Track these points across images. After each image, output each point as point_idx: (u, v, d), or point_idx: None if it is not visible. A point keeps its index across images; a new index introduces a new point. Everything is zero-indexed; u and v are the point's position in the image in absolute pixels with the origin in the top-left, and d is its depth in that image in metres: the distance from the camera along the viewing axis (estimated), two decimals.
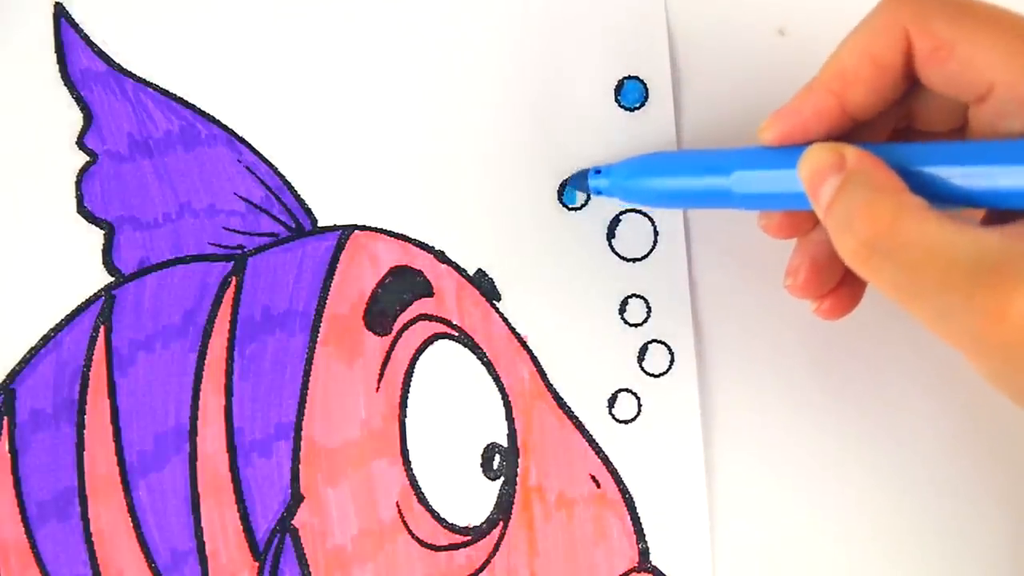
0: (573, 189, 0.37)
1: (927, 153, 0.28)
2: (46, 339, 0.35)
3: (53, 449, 0.34)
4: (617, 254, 0.37)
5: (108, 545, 0.34)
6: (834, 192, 0.28)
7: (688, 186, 0.33)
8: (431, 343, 0.36)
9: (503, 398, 0.36)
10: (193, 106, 0.36)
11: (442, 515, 0.36)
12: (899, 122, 0.32)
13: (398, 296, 0.36)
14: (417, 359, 0.36)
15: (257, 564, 0.35)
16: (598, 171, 0.35)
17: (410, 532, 0.35)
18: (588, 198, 0.37)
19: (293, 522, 0.35)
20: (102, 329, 0.35)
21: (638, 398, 0.37)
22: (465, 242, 0.37)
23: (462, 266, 0.37)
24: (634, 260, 0.37)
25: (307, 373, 0.35)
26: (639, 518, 0.37)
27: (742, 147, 0.32)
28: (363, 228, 0.36)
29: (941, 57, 0.28)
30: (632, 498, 0.37)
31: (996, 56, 0.28)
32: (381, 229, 0.37)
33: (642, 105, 0.38)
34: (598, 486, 0.37)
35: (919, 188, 0.27)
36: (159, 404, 0.35)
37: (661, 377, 0.37)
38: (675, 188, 0.33)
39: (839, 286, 0.33)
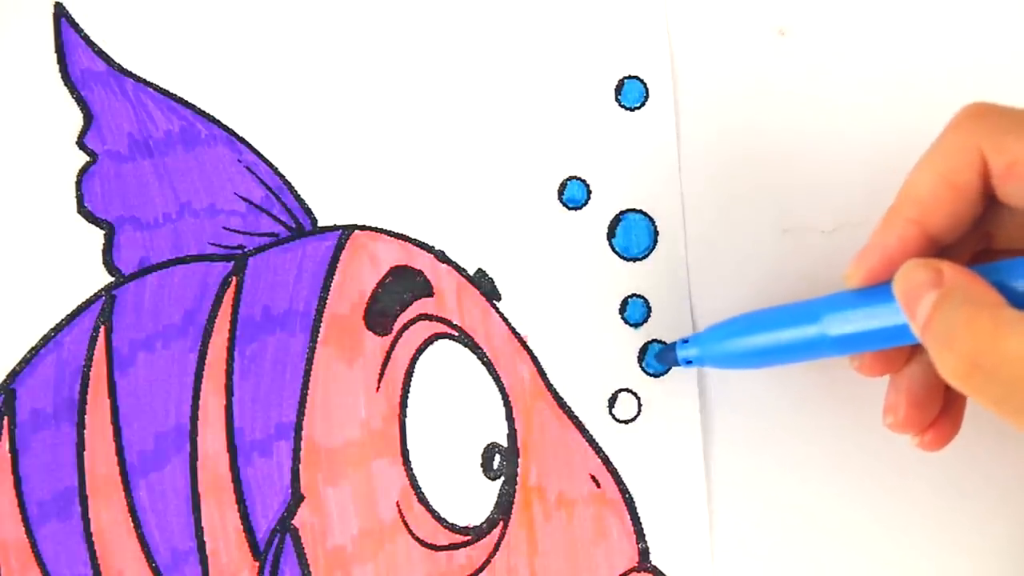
0: (656, 362, 0.37)
1: (1020, 268, 0.27)
2: (46, 339, 0.35)
3: (53, 449, 0.34)
4: (617, 254, 0.37)
5: (108, 545, 0.34)
6: (932, 308, 0.27)
7: (781, 339, 0.32)
8: (431, 343, 0.36)
9: (503, 398, 0.36)
10: (193, 106, 0.36)
11: (442, 515, 0.36)
12: (977, 244, 0.32)
13: (398, 296, 0.36)
14: (417, 359, 0.36)
15: (257, 564, 0.35)
16: (685, 341, 0.35)
17: (410, 532, 0.35)
18: (588, 198, 0.37)
19: (293, 522, 0.35)
20: (102, 329, 0.35)
21: (638, 398, 0.37)
22: (465, 242, 0.37)
23: (462, 266, 0.37)
24: (634, 260, 0.37)
25: (307, 373, 0.35)
26: (639, 518, 0.37)
27: (828, 294, 0.31)
28: (363, 228, 0.36)
29: (1017, 172, 0.28)
30: (632, 498, 0.37)
31: None
32: (381, 229, 0.37)
33: (642, 105, 0.38)
34: (598, 486, 0.37)
35: (1016, 303, 0.26)
36: (159, 404, 0.35)
37: (661, 377, 0.37)
38: (768, 344, 0.32)
39: (939, 416, 0.33)
